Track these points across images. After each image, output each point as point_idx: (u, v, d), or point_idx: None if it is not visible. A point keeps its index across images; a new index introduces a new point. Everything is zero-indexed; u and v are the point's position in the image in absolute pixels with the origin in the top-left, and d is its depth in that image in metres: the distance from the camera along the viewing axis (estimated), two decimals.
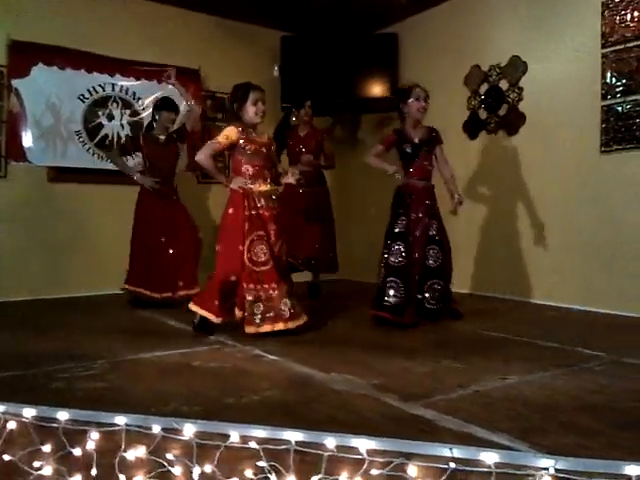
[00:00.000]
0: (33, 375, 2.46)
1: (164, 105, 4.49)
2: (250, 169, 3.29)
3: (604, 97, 4.17)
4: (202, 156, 3.30)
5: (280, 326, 3.20)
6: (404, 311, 3.51)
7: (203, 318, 3.29)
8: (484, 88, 5.09)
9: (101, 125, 5.14)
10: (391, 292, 3.52)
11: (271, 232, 3.28)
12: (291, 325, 3.22)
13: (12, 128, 4.74)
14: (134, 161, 4.95)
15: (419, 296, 3.63)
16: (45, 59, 4.84)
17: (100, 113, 5.12)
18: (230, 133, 3.27)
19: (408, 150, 3.73)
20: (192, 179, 5.60)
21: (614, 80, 4.12)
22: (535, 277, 4.63)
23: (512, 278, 4.76)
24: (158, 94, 5.31)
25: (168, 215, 4.41)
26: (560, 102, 4.46)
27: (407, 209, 3.66)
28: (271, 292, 3.21)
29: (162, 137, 4.48)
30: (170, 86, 5.34)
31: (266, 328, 3.18)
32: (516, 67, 4.79)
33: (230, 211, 3.29)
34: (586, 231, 4.28)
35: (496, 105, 4.97)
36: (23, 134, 4.78)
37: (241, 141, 3.27)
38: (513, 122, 4.82)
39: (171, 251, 4.38)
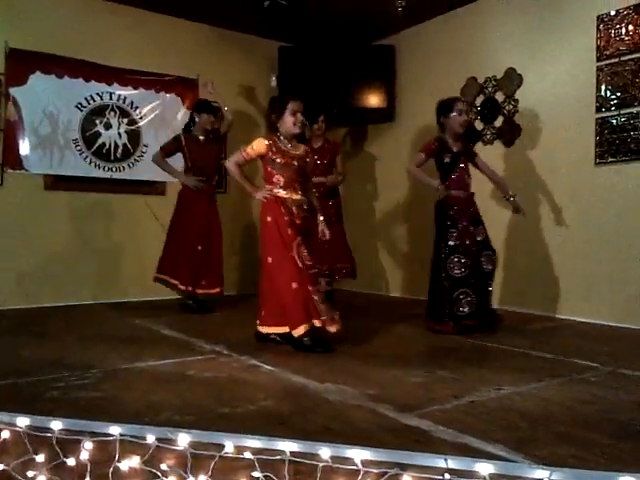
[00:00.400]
0: (28, 384, 2.45)
1: (204, 108, 4.63)
2: (282, 179, 3.25)
3: (599, 110, 4.21)
4: (229, 163, 3.37)
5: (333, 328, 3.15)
6: (479, 317, 3.67)
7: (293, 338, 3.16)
8: (480, 100, 5.12)
9: (98, 134, 5.14)
10: (464, 302, 3.63)
11: (306, 239, 3.26)
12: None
13: (9, 136, 4.74)
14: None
15: (487, 301, 3.75)
16: (43, 67, 4.85)
17: (97, 122, 5.13)
18: (258, 145, 3.27)
19: (447, 160, 3.78)
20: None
21: (609, 93, 4.15)
22: (532, 288, 4.64)
23: (511, 289, 4.77)
24: (155, 103, 5.35)
25: (205, 215, 4.57)
26: (555, 114, 4.50)
27: (454, 220, 3.72)
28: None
29: (202, 137, 4.63)
30: (168, 95, 5.40)
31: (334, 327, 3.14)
32: (512, 79, 4.83)
33: (269, 219, 3.23)
34: (581, 242, 4.30)
35: (492, 116, 5.01)
36: (20, 142, 4.78)
37: (270, 154, 3.24)
38: (509, 133, 4.85)
39: (200, 248, 4.51)
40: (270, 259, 3.21)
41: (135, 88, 5.29)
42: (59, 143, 4.95)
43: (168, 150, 4.64)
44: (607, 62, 4.16)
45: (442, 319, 3.69)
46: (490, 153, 4.99)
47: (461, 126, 3.76)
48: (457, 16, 5.30)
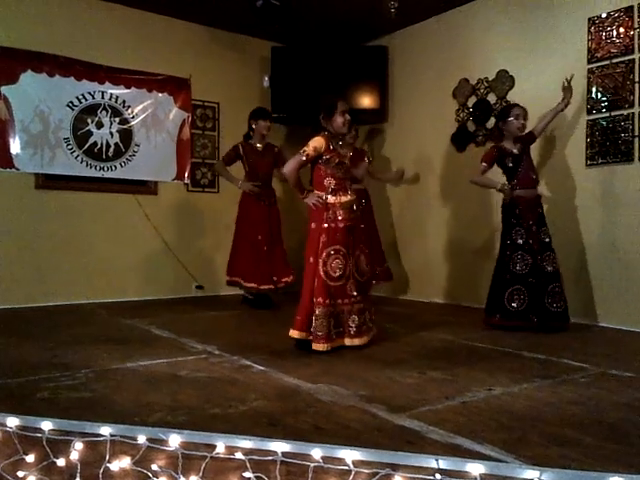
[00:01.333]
0: (18, 384, 2.43)
1: (260, 114, 4.81)
2: (332, 181, 3.24)
3: (589, 112, 4.24)
4: (289, 169, 3.28)
5: (346, 342, 3.20)
6: (529, 316, 3.78)
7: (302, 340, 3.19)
8: (472, 101, 5.14)
9: (90, 133, 5.11)
10: (515, 299, 3.79)
11: (350, 244, 3.23)
12: (357, 342, 3.21)
13: (0, 135, 4.71)
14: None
15: (544, 301, 3.78)
16: (34, 66, 4.81)
17: (89, 121, 5.10)
18: (318, 144, 3.23)
19: (510, 164, 3.95)
20: (181, 187, 5.60)
21: (599, 95, 4.18)
22: None
23: None
24: (147, 102, 5.33)
25: (265, 216, 4.82)
26: None
27: (519, 219, 3.87)
28: (343, 307, 3.19)
29: (259, 145, 4.85)
30: (160, 95, 5.38)
31: (334, 344, 3.15)
32: (503, 81, 4.86)
33: (312, 225, 3.26)
34: (571, 244, 4.32)
35: (484, 118, 5.03)
36: (11, 141, 4.74)
37: (327, 152, 3.23)
38: (501, 135, 4.86)
39: (266, 248, 4.76)
40: (305, 265, 3.28)
41: (127, 87, 5.26)
42: (50, 142, 4.91)
43: (228, 159, 4.92)
44: (598, 64, 4.19)
45: (493, 312, 3.88)
46: (482, 154, 5.01)
47: (519, 129, 3.94)
48: (449, 18, 5.32)
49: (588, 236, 4.25)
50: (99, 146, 5.15)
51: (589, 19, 4.25)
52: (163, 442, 1.57)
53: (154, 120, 5.38)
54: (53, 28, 4.94)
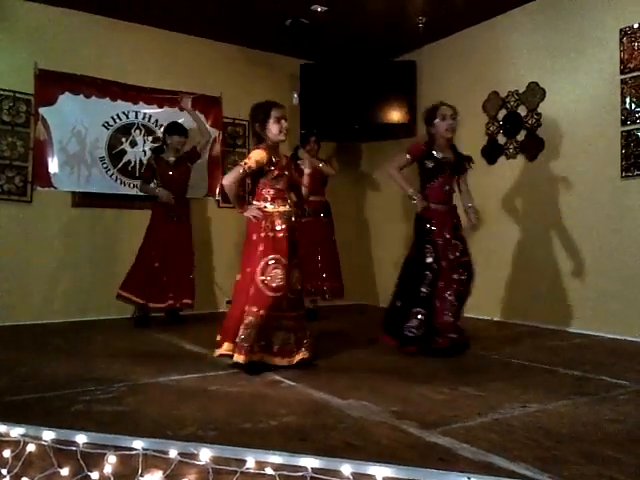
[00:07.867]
0: (52, 398, 2.48)
1: (174, 129, 4.81)
2: (271, 191, 3.12)
3: (624, 122, 4.16)
4: (228, 181, 3.15)
5: (265, 359, 3.05)
6: (429, 340, 3.45)
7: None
8: (502, 114, 5.10)
9: (124, 151, 5.24)
10: (416, 323, 3.43)
11: (289, 255, 3.08)
12: (277, 361, 3.07)
13: (39, 155, 4.85)
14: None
15: (445, 319, 3.46)
16: (71, 88, 4.97)
17: (123, 140, 5.24)
18: (258, 156, 3.09)
19: (430, 165, 3.54)
20: (213, 203, 5.67)
21: (633, 106, 4.10)
22: (560, 303, 4.55)
23: (539, 305, 4.69)
24: (179, 120, 5.43)
25: (173, 233, 4.72)
26: (579, 127, 4.46)
27: (431, 235, 3.50)
28: (272, 321, 3.03)
29: (172, 159, 4.82)
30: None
31: (255, 357, 3.00)
32: (534, 93, 4.81)
33: (253, 237, 3.11)
34: (609, 257, 4.23)
35: (514, 130, 4.98)
36: (49, 161, 4.89)
37: (268, 165, 3.10)
38: (532, 147, 4.82)
39: (157, 265, 4.63)
40: (238, 276, 3.18)
41: (160, 106, 5.39)
42: (86, 161, 5.05)
43: (146, 176, 4.86)
44: (631, 75, 4.12)
45: (396, 335, 3.49)
46: (513, 167, 4.97)
47: (447, 131, 3.53)
48: (478, 31, 5.30)
49: (624, 247, 4.14)
50: (133, 164, 5.28)
51: (621, 30, 4.18)
52: (194, 456, 1.58)
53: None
54: (89, 51, 5.09)
